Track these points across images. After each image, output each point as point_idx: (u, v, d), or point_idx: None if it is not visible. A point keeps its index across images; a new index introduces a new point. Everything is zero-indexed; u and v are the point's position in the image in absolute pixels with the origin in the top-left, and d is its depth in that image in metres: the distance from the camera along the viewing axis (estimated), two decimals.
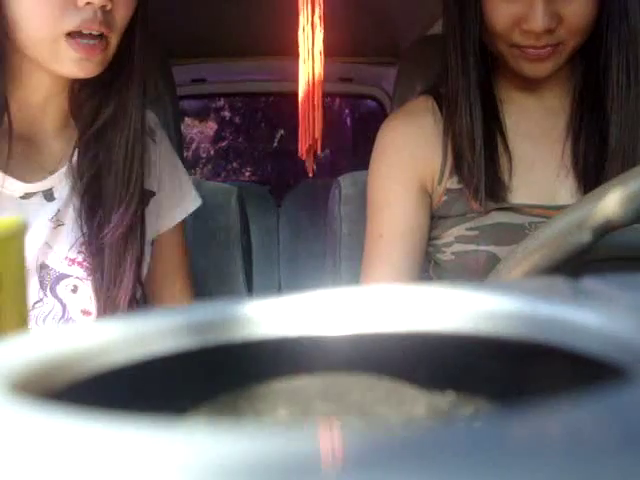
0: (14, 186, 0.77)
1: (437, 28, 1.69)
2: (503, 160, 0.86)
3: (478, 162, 0.83)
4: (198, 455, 0.12)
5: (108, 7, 0.71)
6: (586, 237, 0.46)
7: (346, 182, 1.19)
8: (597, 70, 0.84)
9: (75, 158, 0.83)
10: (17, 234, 0.30)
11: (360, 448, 0.12)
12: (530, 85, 0.88)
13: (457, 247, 0.90)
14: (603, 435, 0.12)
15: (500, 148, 0.86)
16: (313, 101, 0.65)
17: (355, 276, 1.15)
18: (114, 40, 0.74)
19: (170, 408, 0.22)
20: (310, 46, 0.63)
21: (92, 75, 0.74)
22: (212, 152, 5.83)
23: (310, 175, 0.73)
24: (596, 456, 0.11)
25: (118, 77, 0.80)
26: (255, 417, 0.24)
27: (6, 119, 0.75)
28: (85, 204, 0.81)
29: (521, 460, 0.11)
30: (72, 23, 0.70)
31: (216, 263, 1.18)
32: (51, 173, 0.81)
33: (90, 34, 0.71)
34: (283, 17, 0.79)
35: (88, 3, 0.69)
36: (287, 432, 0.13)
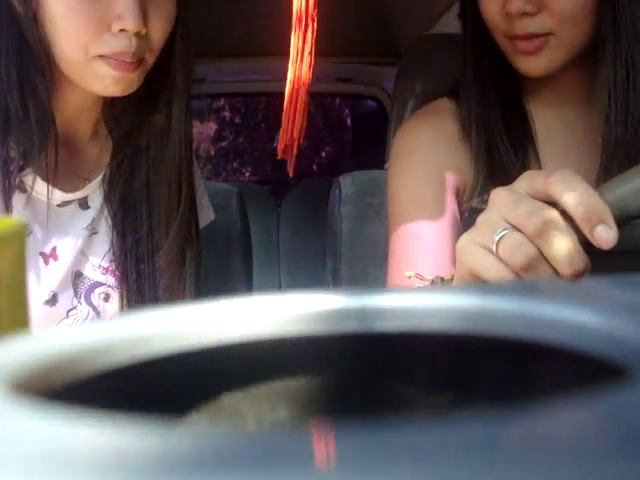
0: (54, 195, 0.77)
1: (437, 28, 1.69)
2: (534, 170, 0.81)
3: (476, 156, 0.81)
4: (196, 456, 0.12)
5: (142, 32, 0.69)
6: None
7: (346, 182, 1.19)
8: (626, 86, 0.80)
9: (109, 169, 0.82)
10: (17, 234, 0.30)
11: (359, 448, 0.12)
12: (555, 102, 0.85)
13: None
14: (604, 435, 0.12)
15: (532, 159, 0.82)
16: (297, 101, 0.65)
17: (355, 275, 1.15)
18: (150, 59, 0.73)
19: (170, 408, 0.22)
20: (301, 46, 0.63)
21: (127, 92, 0.73)
22: (212, 152, 5.83)
23: (291, 175, 0.72)
24: (597, 456, 0.11)
25: (162, 90, 0.79)
26: (255, 417, 0.24)
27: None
28: (123, 218, 0.81)
29: (521, 460, 0.11)
30: (105, 49, 0.68)
31: (216, 263, 1.18)
32: (86, 182, 0.81)
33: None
34: (283, 17, 0.79)
35: (122, 30, 0.68)
36: (285, 432, 0.13)
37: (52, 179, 0.75)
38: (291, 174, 0.71)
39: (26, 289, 0.30)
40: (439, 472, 0.11)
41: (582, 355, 0.20)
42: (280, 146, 0.67)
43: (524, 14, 0.74)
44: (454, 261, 0.83)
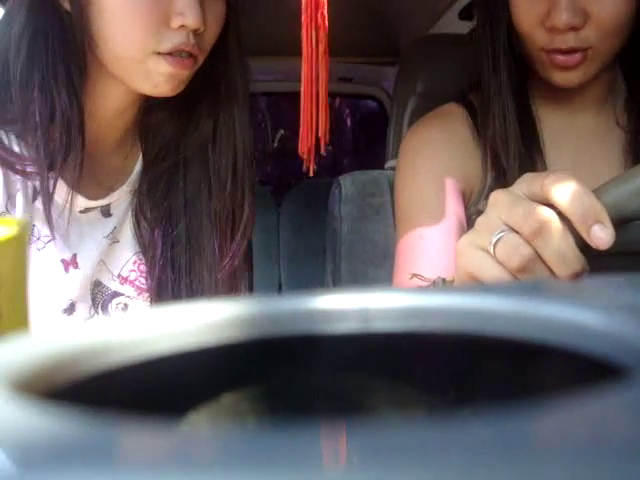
0: (77, 201, 0.75)
1: (437, 28, 1.69)
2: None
3: (512, 166, 0.79)
4: (197, 455, 0.12)
5: (201, 30, 0.69)
6: None
7: (346, 182, 1.19)
8: None
9: (136, 175, 0.81)
10: (18, 234, 0.30)
11: (360, 448, 0.12)
12: (564, 105, 0.84)
13: None
14: (603, 435, 0.12)
15: (539, 166, 0.81)
16: (317, 100, 0.65)
17: (355, 275, 1.15)
18: (201, 59, 0.73)
19: (170, 408, 0.22)
20: (314, 45, 0.63)
21: (173, 93, 0.72)
22: None
23: (311, 175, 0.72)
24: (596, 457, 0.11)
25: (212, 96, 0.78)
26: (255, 417, 0.24)
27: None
28: (162, 232, 0.79)
29: (520, 460, 0.11)
30: (165, 45, 0.68)
31: None
32: (110, 189, 0.79)
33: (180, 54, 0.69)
34: (284, 17, 0.79)
35: (182, 26, 0.68)
36: (288, 432, 0.13)
37: (76, 185, 0.73)
38: (312, 174, 0.71)
39: (26, 289, 0.30)
40: (443, 472, 0.11)
41: (582, 355, 0.20)
42: (302, 147, 0.67)
43: (571, 28, 0.72)
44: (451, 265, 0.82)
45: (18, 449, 0.13)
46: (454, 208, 0.83)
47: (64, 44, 0.69)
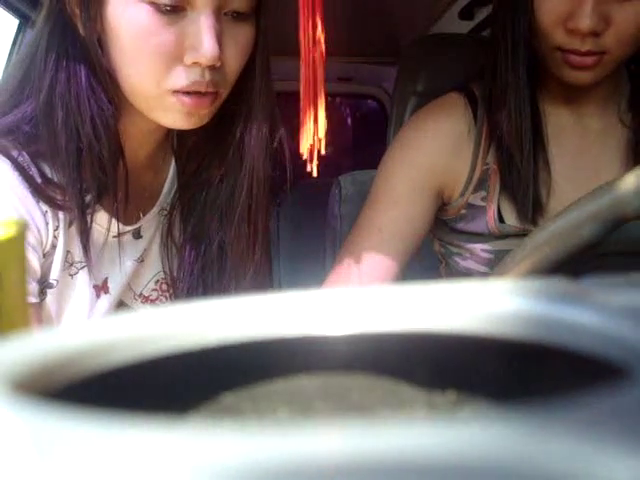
0: (114, 227, 0.73)
1: (437, 28, 1.70)
2: (543, 175, 0.81)
3: (526, 164, 0.79)
4: (198, 456, 0.12)
5: (217, 65, 0.64)
6: (598, 230, 0.45)
7: (346, 182, 1.19)
8: None
9: (165, 194, 0.80)
10: (17, 234, 0.30)
11: (360, 448, 0.12)
12: (570, 101, 0.84)
13: (470, 264, 0.87)
14: (603, 435, 0.12)
15: (540, 162, 0.81)
16: (315, 100, 0.65)
17: None
18: (224, 93, 0.69)
19: (170, 408, 0.22)
20: (311, 45, 0.63)
21: (196, 126, 0.69)
22: None
23: (315, 175, 0.72)
24: (597, 456, 0.11)
25: (239, 118, 0.75)
26: (255, 417, 0.24)
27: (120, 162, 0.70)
28: (195, 254, 0.78)
29: (520, 460, 0.11)
30: (179, 83, 0.64)
31: None
32: (143, 211, 0.77)
33: (197, 92, 0.65)
34: (283, 17, 0.79)
35: (195, 63, 0.63)
36: (287, 432, 0.13)
37: (117, 213, 0.71)
38: (315, 174, 0.70)
39: (26, 289, 0.30)
40: (443, 473, 0.11)
41: (582, 355, 0.20)
42: (303, 147, 0.67)
43: (592, 33, 0.72)
44: (404, 260, 0.82)
45: (17, 449, 0.13)
46: (424, 209, 0.84)
47: (89, 73, 0.66)
